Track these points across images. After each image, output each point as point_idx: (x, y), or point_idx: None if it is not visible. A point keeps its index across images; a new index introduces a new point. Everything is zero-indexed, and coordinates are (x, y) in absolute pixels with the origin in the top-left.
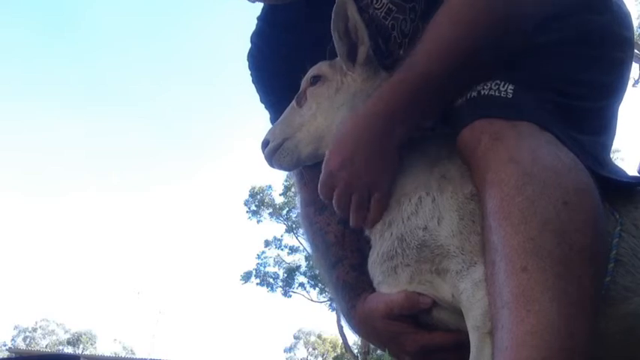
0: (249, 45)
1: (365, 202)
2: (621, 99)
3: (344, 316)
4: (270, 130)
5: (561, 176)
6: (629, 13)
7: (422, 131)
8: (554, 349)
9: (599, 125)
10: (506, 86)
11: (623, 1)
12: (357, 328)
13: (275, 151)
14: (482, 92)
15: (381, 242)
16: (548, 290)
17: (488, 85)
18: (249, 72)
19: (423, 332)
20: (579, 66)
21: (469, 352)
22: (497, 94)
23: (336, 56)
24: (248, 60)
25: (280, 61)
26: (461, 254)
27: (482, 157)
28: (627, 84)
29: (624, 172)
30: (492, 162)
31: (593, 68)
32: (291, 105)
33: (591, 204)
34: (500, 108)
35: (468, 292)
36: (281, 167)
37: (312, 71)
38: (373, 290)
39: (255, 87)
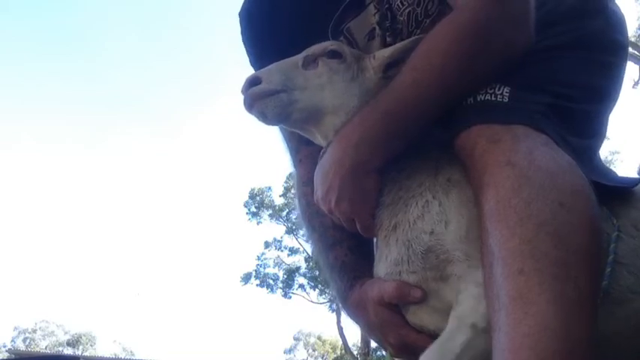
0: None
1: (351, 222)
2: (614, 103)
3: (339, 296)
4: (264, 71)
5: (557, 178)
6: (623, 17)
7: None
8: (552, 351)
9: (590, 128)
10: (501, 89)
11: (617, 6)
12: (350, 311)
13: (265, 96)
14: (479, 98)
15: (387, 247)
16: (544, 292)
17: (484, 89)
18: (240, 29)
19: (409, 329)
20: (573, 69)
21: None
22: (493, 98)
23: (340, 25)
24: (241, 15)
25: (281, 22)
26: (466, 260)
27: (479, 160)
28: (621, 89)
29: (614, 173)
30: (489, 165)
31: (586, 72)
32: (294, 60)
33: (587, 205)
34: (496, 112)
35: (467, 292)
36: (261, 115)
37: (333, 44)
38: (372, 276)
39: (246, 48)
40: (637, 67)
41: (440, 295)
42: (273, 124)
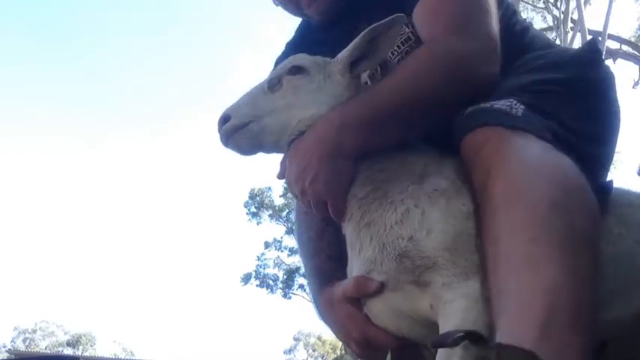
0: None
1: (322, 205)
2: (609, 153)
3: (313, 299)
4: (233, 107)
5: (565, 173)
6: (614, 77)
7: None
8: (560, 307)
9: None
10: (518, 105)
11: (607, 66)
12: (322, 313)
13: (236, 131)
14: (495, 106)
15: (358, 240)
16: (556, 261)
17: (502, 101)
18: (281, 55)
19: (371, 325)
20: (572, 109)
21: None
22: (508, 109)
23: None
24: (288, 45)
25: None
26: (452, 268)
27: (488, 157)
28: (615, 143)
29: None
30: (498, 160)
31: (585, 115)
32: (260, 86)
33: (591, 200)
34: (508, 119)
35: (455, 304)
36: (237, 148)
37: (294, 60)
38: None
39: None
40: (637, 67)
41: (410, 297)
42: (251, 154)
